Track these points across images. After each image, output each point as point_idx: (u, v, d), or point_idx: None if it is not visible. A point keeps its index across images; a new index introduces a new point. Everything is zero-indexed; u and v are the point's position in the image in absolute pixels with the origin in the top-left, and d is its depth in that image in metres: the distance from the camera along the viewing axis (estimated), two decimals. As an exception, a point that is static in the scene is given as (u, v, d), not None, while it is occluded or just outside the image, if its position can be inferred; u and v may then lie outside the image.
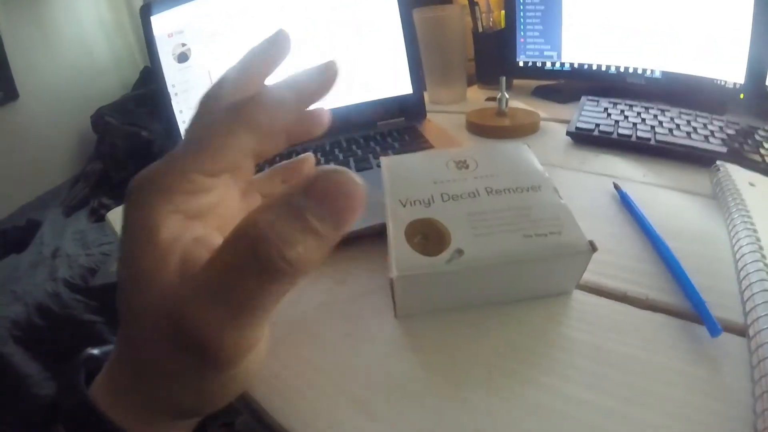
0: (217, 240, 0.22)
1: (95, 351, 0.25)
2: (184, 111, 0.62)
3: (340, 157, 0.55)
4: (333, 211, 0.17)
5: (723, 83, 0.64)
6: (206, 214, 0.22)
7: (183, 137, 0.22)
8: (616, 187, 0.46)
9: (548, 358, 0.29)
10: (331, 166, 0.17)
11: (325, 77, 0.23)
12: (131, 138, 1.86)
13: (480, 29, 0.84)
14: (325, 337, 0.32)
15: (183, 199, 0.21)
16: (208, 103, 0.23)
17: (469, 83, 0.87)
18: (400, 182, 0.35)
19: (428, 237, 0.31)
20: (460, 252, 0.29)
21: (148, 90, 2.07)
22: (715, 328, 0.28)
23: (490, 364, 0.29)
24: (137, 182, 0.20)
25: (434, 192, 0.34)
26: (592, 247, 0.30)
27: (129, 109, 2.00)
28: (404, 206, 0.33)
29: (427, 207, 0.33)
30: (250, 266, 0.17)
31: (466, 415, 0.26)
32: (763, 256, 0.33)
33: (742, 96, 0.62)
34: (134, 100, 2.06)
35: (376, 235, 0.31)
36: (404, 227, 0.31)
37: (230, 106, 0.22)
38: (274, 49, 0.25)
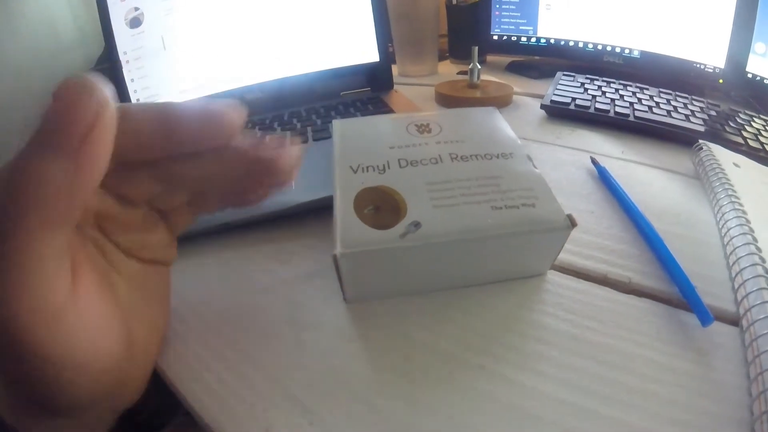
0: None
1: None
2: (135, 80, 0.56)
3: (298, 126, 0.50)
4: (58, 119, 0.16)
5: (702, 67, 0.62)
6: None
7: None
8: (593, 161, 0.42)
9: (520, 350, 0.25)
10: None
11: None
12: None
13: (454, 1, 0.81)
14: (264, 324, 0.27)
15: None
16: None
17: (441, 59, 0.84)
18: (353, 146, 0.31)
19: (381, 208, 0.26)
20: (416, 225, 0.25)
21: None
22: (706, 316, 0.25)
23: (453, 358, 0.24)
24: None
25: (390, 157, 0.29)
26: (571, 223, 0.26)
27: (91, 85, 1.90)
28: (355, 172, 0.28)
29: (381, 174, 0.28)
30: None
31: (423, 419, 0.22)
32: (755, 239, 0.30)
33: (721, 81, 0.61)
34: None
35: (328, 208, 0.27)
36: (353, 196, 0.27)
37: None
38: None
